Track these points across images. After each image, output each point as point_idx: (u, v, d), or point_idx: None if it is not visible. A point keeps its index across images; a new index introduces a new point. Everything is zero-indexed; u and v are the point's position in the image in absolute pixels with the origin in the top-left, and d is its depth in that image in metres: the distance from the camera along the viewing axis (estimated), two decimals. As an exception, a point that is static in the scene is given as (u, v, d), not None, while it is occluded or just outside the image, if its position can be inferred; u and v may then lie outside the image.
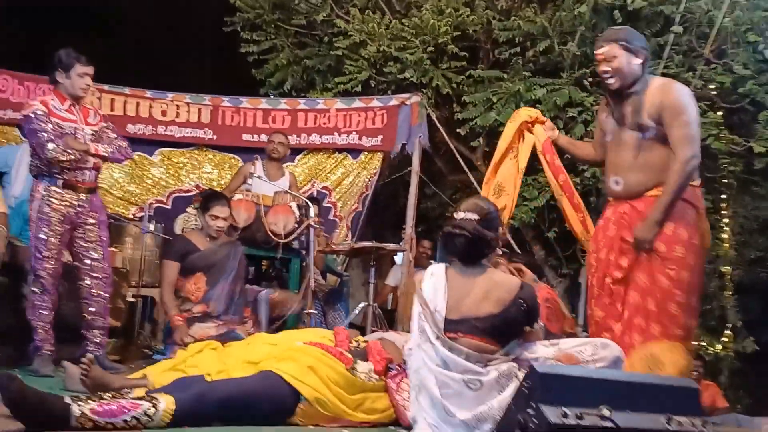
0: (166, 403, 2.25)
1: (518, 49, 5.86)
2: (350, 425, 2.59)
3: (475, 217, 2.59)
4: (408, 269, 5.73)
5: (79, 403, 2.16)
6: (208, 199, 4.28)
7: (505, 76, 5.86)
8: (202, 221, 4.27)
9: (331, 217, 5.89)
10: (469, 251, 2.58)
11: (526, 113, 3.73)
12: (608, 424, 1.92)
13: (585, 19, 5.43)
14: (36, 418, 2.08)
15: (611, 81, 3.11)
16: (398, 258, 6.68)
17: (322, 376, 2.59)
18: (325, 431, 2.53)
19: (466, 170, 5.79)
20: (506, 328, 2.50)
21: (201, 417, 2.32)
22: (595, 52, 3.21)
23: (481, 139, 6.10)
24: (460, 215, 2.62)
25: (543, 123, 3.67)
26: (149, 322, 4.87)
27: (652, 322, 2.95)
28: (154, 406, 2.22)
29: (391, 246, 5.10)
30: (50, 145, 3.42)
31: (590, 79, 5.59)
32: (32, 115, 3.48)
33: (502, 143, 3.72)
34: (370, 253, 4.90)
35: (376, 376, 2.73)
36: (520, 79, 5.71)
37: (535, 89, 5.55)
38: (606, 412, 1.93)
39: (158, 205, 5.58)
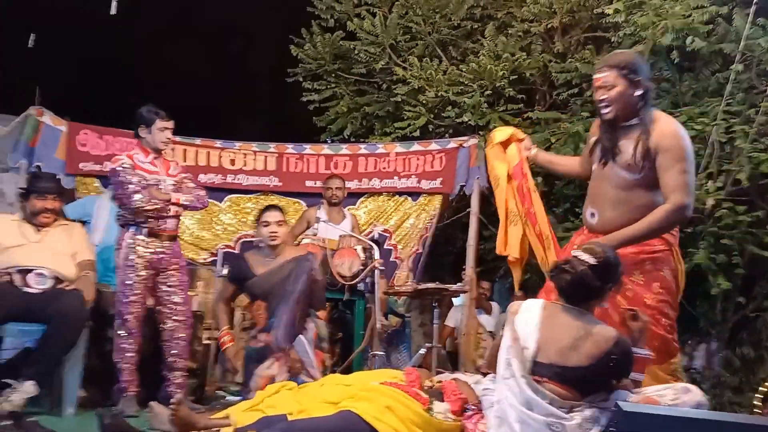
0: None
1: (576, 90, 5.92)
2: None
3: (591, 260, 2.54)
4: (469, 311, 5.76)
5: None
6: (261, 211, 4.15)
7: (563, 117, 5.93)
8: (258, 235, 4.08)
9: (392, 259, 5.98)
10: (571, 292, 2.55)
11: (501, 134, 3.56)
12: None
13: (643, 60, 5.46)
14: None
15: (606, 111, 2.89)
16: (456, 299, 6.70)
17: (400, 415, 2.64)
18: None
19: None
20: (593, 382, 2.46)
21: None
22: (593, 76, 2.99)
23: (540, 179, 6.14)
24: (576, 253, 2.58)
25: (521, 141, 3.49)
26: (221, 364, 5.01)
27: None
28: None
29: (454, 287, 5.12)
30: (136, 196, 3.63)
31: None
32: (119, 169, 3.69)
33: (492, 175, 3.60)
34: (433, 294, 4.94)
35: (453, 416, 2.76)
36: (578, 119, 5.76)
37: (593, 129, 5.58)
38: (692, 451, 1.91)
39: (227, 249, 5.78)
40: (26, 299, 3.55)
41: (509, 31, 6.35)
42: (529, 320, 2.54)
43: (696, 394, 2.54)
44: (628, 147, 2.87)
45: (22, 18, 7.73)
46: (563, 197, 6.37)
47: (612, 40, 5.88)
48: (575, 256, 2.57)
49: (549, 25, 6.27)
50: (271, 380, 3.44)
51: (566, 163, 3.52)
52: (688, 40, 5.22)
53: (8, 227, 3.80)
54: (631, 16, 5.42)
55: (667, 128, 2.85)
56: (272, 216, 3.99)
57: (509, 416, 2.42)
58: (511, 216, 3.57)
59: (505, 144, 3.59)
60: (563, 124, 5.80)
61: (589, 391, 2.47)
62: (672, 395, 2.50)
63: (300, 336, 3.84)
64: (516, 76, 6.14)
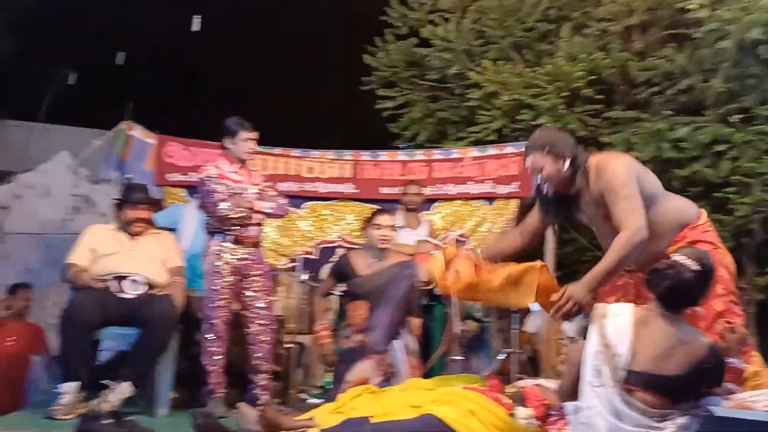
0: None
1: (657, 89, 5.75)
2: None
3: (695, 266, 2.46)
4: (548, 316, 5.65)
5: None
6: (372, 215, 4.20)
7: (644, 116, 5.76)
8: (368, 237, 4.12)
9: (469, 264, 5.94)
10: (670, 297, 2.47)
11: (437, 267, 3.19)
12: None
13: (729, 55, 5.25)
14: None
15: (546, 189, 2.97)
16: (535, 305, 6.59)
17: (483, 420, 2.62)
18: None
19: (607, 214, 5.70)
20: (685, 391, 2.39)
21: None
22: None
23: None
24: (677, 257, 2.49)
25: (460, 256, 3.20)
26: (301, 368, 5.12)
27: None
28: None
29: (534, 292, 5.05)
30: (222, 205, 3.76)
31: (738, 116, 5.38)
32: (206, 178, 3.83)
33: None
34: (512, 299, 4.89)
35: (536, 422, 2.74)
36: (661, 118, 5.58)
37: (677, 128, 5.40)
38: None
39: (306, 255, 5.90)
40: (122, 304, 3.74)
41: (586, 31, 6.22)
42: (621, 326, 2.45)
43: None
44: (584, 202, 2.96)
45: (112, 38, 8.18)
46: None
47: (695, 36, 5.68)
48: (677, 261, 2.46)
49: (627, 24, 6.11)
50: (364, 381, 3.42)
51: (505, 248, 3.33)
52: (776, 34, 4.99)
53: (105, 236, 4.02)
54: (715, 11, 5.22)
55: (600, 172, 2.88)
56: (385, 220, 4.06)
57: (598, 425, 2.35)
58: None
59: (448, 265, 3.25)
60: (644, 123, 5.63)
61: (681, 399, 2.40)
62: (767, 400, 2.39)
63: (395, 341, 3.86)
64: (594, 77, 6.01)
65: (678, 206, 2.99)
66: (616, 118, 5.96)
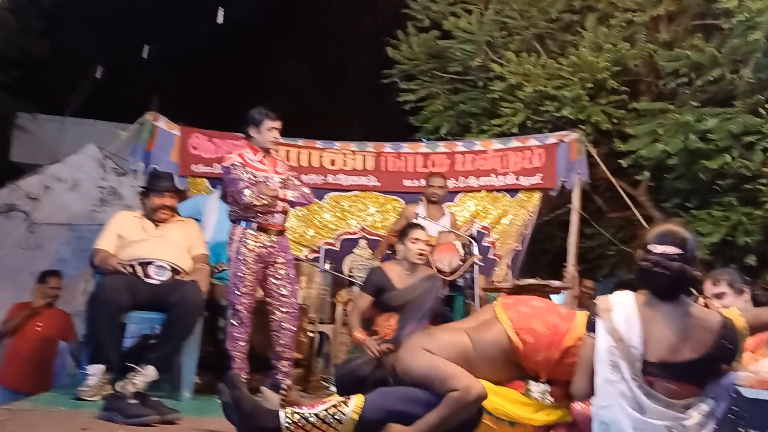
0: (357, 399, 2.46)
1: (684, 80, 5.67)
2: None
3: (677, 251, 2.34)
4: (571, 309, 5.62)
5: (284, 410, 2.47)
6: (405, 228, 4.27)
7: (671, 107, 5.69)
8: (402, 251, 4.15)
9: (490, 256, 5.94)
10: (671, 290, 2.36)
11: None
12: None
13: (759, 46, 5.16)
14: (252, 417, 2.41)
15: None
16: (556, 298, 6.56)
17: (504, 396, 2.63)
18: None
19: (631, 206, 5.64)
20: (708, 372, 2.31)
21: (387, 413, 2.48)
22: None
23: (646, 172, 5.93)
24: (658, 249, 2.36)
25: None
26: (322, 357, 5.16)
27: None
28: (346, 403, 2.46)
29: (556, 283, 5.03)
30: (246, 192, 3.79)
31: (767, 107, 5.29)
32: (231, 167, 3.87)
33: None
34: (534, 291, 4.85)
35: (552, 398, 2.72)
36: (688, 109, 5.51)
37: (705, 119, 5.32)
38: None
39: (328, 246, 5.93)
40: (149, 289, 3.79)
41: (611, 22, 6.16)
42: (629, 316, 2.36)
43: None
44: None
45: (138, 33, 8.29)
46: (672, 191, 6.10)
47: (724, 27, 5.60)
48: (662, 253, 2.33)
49: (654, 14, 6.04)
50: None
51: None
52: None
53: (131, 223, 4.09)
54: (744, 1, 5.14)
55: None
56: (423, 235, 4.13)
57: (622, 424, 2.27)
58: None
59: None
60: (671, 115, 5.56)
61: (703, 382, 2.33)
62: None
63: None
64: (619, 68, 5.95)
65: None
66: (642, 109, 5.88)
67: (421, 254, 4.09)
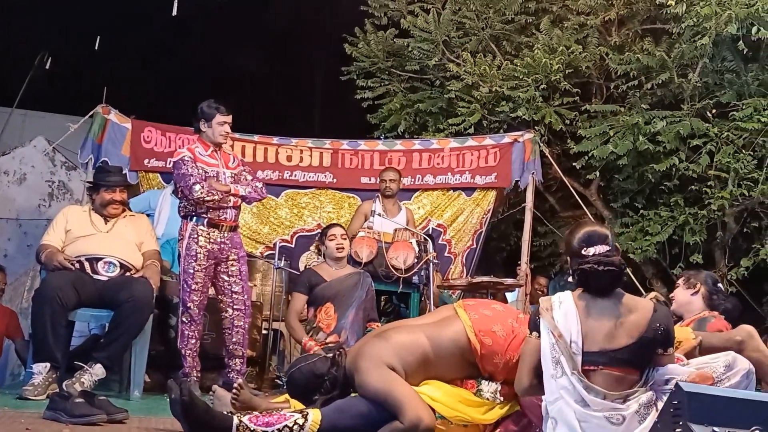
0: (314, 415, 2.46)
1: (634, 83, 5.82)
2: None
3: (608, 248, 2.47)
4: (524, 306, 5.71)
5: (238, 414, 2.43)
6: (321, 232, 4.57)
7: (622, 109, 5.83)
8: (324, 250, 4.45)
9: (446, 254, 5.99)
10: (614, 284, 2.46)
11: None
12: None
13: (707, 51, 5.33)
14: (203, 424, 2.36)
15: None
16: (510, 295, 6.67)
17: (449, 393, 2.68)
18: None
19: (582, 205, 5.77)
20: (644, 355, 2.42)
21: (343, 429, 2.49)
22: None
23: (597, 173, 6.07)
24: (592, 250, 2.46)
25: None
26: (276, 355, 5.13)
27: None
28: (305, 417, 2.44)
29: (509, 281, 5.12)
30: (196, 187, 3.73)
31: (713, 111, 5.48)
32: (180, 161, 3.81)
33: None
34: (487, 288, 4.94)
35: (501, 397, 2.76)
36: (637, 112, 5.65)
37: (654, 121, 5.47)
38: (759, 433, 1.85)
39: (283, 243, 5.88)
40: (97, 286, 3.71)
41: (564, 24, 6.27)
42: (568, 313, 2.46)
43: (743, 362, 2.54)
44: None
45: (90, 23, 8.08)
46: (621, 191, 6.27)
47: (672, 31, 5.76)
48: (600, 253, 2.43)
49: (605, 18, 6.18)
50: None
51: None
52: (753, 29, 5.07)
53: (80, 218, 3.98)
54: (692, 6, 5.29)
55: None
56: (339, 231, 4.42)
57: (567, 416, 2.36)
58: None
59: None
60: (622, 117, 5.70)
61: (642, 364, 2.44)
62: (723, 366, 2.46)
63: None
64: (571, 70, 6.07)
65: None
66: (594, 111, 6.02)
67: (340, 247, 4.33)
